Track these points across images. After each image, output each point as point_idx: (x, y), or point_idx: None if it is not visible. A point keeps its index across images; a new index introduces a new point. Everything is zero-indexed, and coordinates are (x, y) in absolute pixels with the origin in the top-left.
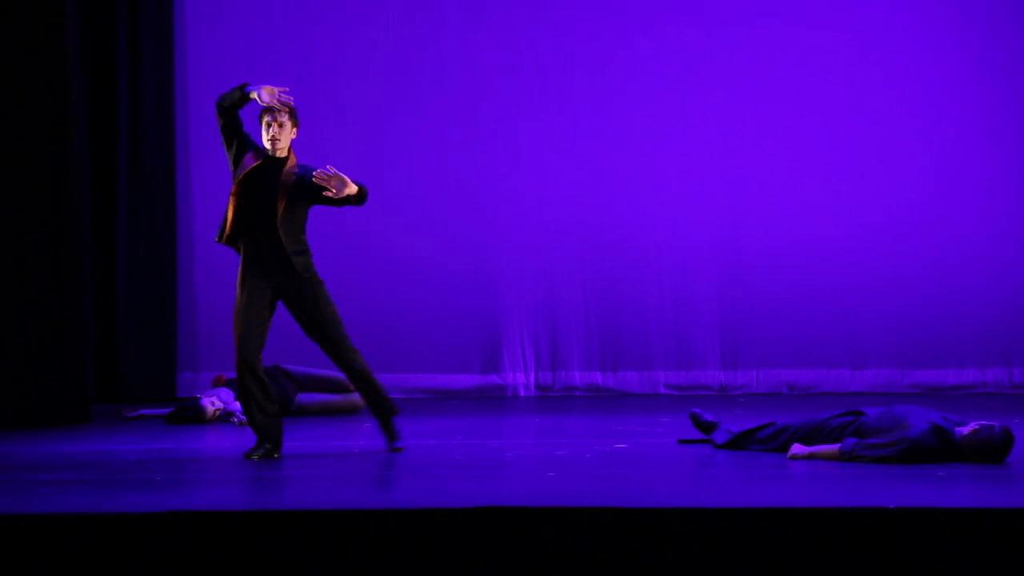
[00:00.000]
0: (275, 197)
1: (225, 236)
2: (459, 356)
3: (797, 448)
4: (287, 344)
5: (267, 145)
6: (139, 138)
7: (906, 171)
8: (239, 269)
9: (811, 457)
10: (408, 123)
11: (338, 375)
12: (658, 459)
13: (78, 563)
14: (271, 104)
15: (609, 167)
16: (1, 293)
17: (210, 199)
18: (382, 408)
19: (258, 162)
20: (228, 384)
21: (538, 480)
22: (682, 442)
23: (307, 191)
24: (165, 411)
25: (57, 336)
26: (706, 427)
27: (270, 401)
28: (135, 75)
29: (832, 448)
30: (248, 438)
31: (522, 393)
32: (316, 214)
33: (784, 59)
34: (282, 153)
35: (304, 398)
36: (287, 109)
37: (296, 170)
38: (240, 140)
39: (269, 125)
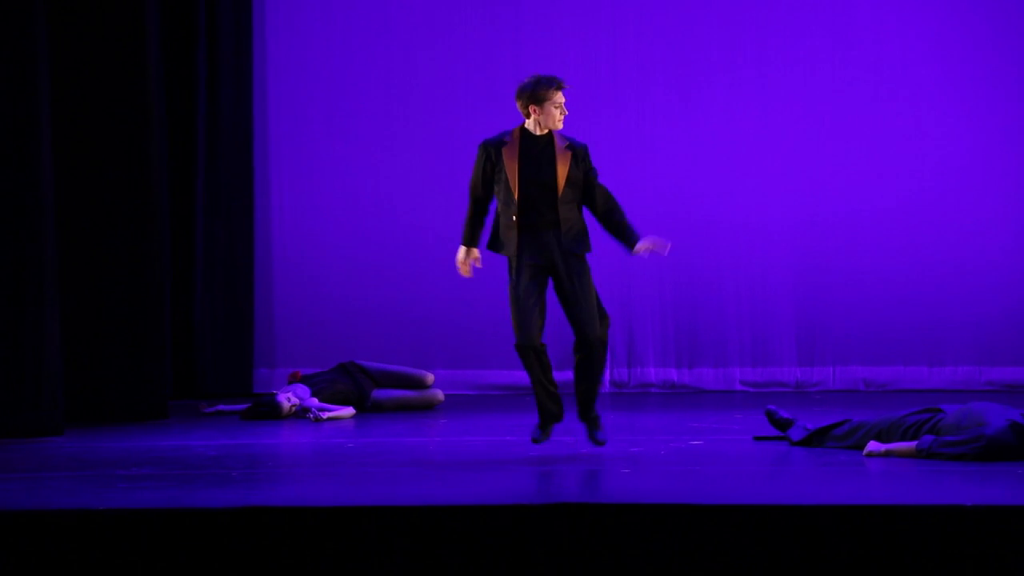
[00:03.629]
0: (554, 175)
1: (501, 237)
2: None
3: (873, 445)
4: (362, 340)
5: (559, 125)
6: (217, 136)
7: (983, 166)
8: (511, 259)
9: (888, 454)
10: (477, 122)
11: (415, 371)
12: (733, 456)
13: (155, 557)
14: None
15: (685, 163)
16: (81, 290)
17: (287, 196)
18: (588, 395)
19: (515, 153)
20: (304, 380)
21: (613, 477)
22: (758, 439)
23: (580, 165)
24: (241, 407)
25: (135, 332)
26: (782, 424)
27: (551, 381)
28: (214, 73)
29: (909, 445)
30: (324, 434)
31: None
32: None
33: (859, 57)
34: (546, 130)
35: (380, 394)
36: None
37: (566, 144)
38: (492, 169)
39: (559, 106)
